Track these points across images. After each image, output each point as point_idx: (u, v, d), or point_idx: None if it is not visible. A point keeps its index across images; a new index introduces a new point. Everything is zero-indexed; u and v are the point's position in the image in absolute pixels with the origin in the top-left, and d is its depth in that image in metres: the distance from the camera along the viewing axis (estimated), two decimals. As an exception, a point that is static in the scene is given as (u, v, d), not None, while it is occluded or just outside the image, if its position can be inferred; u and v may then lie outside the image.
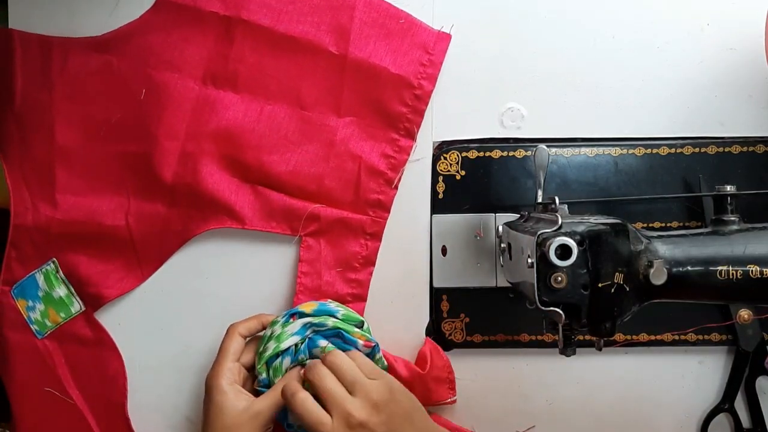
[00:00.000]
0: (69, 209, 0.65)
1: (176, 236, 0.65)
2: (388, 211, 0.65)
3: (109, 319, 0.67)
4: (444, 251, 0.65)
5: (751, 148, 0.64)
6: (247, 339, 0.61)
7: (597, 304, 0.47)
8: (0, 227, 0.72)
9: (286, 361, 0.59)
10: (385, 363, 0.62)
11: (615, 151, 0.64)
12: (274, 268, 0.66)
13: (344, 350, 0.59)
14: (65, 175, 0.66)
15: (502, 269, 0.62)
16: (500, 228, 0.61)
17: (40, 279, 0.66)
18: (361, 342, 0.60)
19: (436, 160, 0.65)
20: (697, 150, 0.64)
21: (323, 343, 0.59)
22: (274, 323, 0.61)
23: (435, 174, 0.65)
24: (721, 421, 0.65)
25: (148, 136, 0.64)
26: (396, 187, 0.65)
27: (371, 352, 0.61)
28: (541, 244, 0.46)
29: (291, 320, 0.60)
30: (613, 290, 0.47)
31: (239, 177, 0.64)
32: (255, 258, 0.66)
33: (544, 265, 0.46)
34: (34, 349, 0.66)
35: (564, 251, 0.45)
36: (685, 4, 0.65)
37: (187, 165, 0.64)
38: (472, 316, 0.65)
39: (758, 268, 0.48)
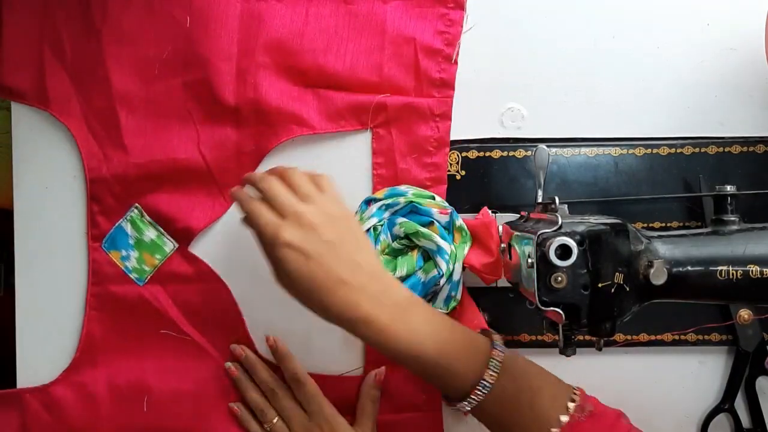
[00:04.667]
0: (141, 151, 0.65)
1: (251, 156, 0.65)
2: (453, 89, 0.64)
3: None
4: (444, 251, 0.65)
5: (751, 148, 0.64)
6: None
7: (597, 305, 0.47)
8: (0, 227, 0.71)
9: None
10: (467, 230, 0.62)
11: (615, 151, 0.64)
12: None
13: (422, 223, 0.61)
14: (130, 118, 0.65)
15: (502, 269, 0.62)
16: (500, 228, 0.61)
17: (128, 227, 0.66)
18: (436, 210, 0.61)
19: (436, 160, 0.65)
20: (697, 150, 0.64)
21: (400, 220, 0.62)
22: (353, 213, 0.64)
23: (435, 174, 0.65)
24: (721, 421, 0.65)
25: (202, 61, 0.64)
26: (456, 62, 0.64)
27: (450, 219, 0.62)
28: (541, 244, 0.46)
29: (368, 206, 0.63)
30: (613, 290, 0.47)
31: (299, 84, 0.64)
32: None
33: (544, 265, 0.46)
34: (139, 296, 0.66)
35: (564, 251, 0.45)
36: (685, 4, 0.65)
37: (246, 82, 0.64)
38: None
39: (758, 268, 0.48)
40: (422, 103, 0.64)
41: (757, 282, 0.48)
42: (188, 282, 0.66)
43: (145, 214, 0.66)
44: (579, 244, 0.46)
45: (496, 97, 0.66)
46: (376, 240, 0.62)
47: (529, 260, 0.47)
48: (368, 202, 0.64)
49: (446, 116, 0.64)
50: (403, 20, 0.64)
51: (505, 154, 0.65)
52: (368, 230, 0.62)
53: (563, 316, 0.46)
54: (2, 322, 0.68)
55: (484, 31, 0.65)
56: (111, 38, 0.65)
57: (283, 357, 0.63)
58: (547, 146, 0.59)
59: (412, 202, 0.62)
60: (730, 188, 0.54)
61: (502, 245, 0.59)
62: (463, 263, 0.62)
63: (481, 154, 0.65)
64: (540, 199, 0.59)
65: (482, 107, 0.66)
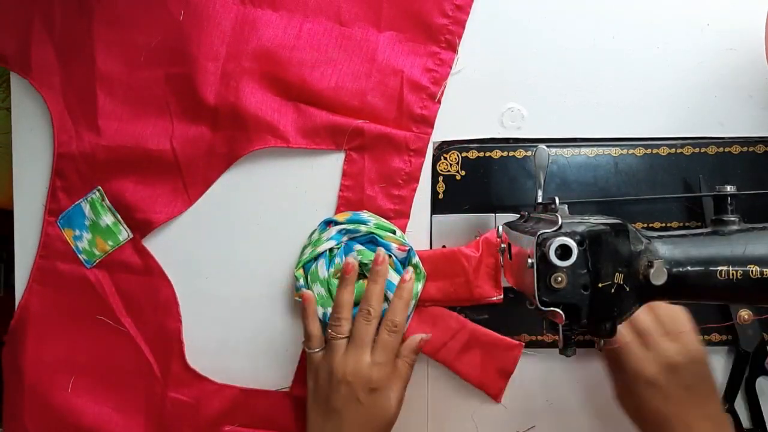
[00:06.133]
0: (113, 135, 0.65)
1: (222, 159, 0.65)
2: (432, 127, 0.65)
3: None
4: (444, 251, 0.65)
5: (751, 148, 0.64)
6: None
7: (597, 305, 0.47)
8: (0, 227, 0.72)
9: (321, 264, 0.62)
10: (422, 268, 0.63)
11: (615, 151, 0.64)
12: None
13: None
14: (108, 101, 0.66)
15: (502, 269, 0.62)
16: (500, 228, 0.61)
17: (86, 208, 0.66)
18: (395, 246, 0.62)
19: (436, 160, 0.65)
20: (697, 150, 0.64)
21: (358, 247, 0.62)
22: (312, 233, 0.65)
23: (435, 174, 0.65)
24: (721, 421, 0.65)
25: (189, 57, 0.64)
26: (439, 102, 0.65)
27: (407, 256, 0.63)
28: (542, 245, 0.46)
29: (327, 228, 0.64)
30: (613, 290, 0.47)
31: (281, 95, 0.64)
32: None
33: (544, 266, 0.46)
34: (83, 278, 0.66)
35: (564, 251, 0.45)
36: (685, 4, 0.65)
37: (229, 85, 0.64)
38: (472, 317, 0.65)
39: (758, 269, 0.48)
40: (399, 136, 0.64)
41: (757, 282, 0.48)
42: (135, 274, 0.66)
43: (106, 198, 0.66)
44: (579, 244, 0.46)
45: (496, 97, 0.65)
46: (331, 262, 0.62)
47: (529, 260, 0.47)
48: (328, 223, 0.64)
49: (421, 152, 0.65)
50: (395, 52, 0.64)
51: (505, 154, 0.65)
52: (324, 252, 0.62)
53: (563, 316, 0.46)
54: (2, 322, 0.68)
55: (484, 31, 0.65)
56: (103, 19, 0.66)
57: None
58: (547, 146, 0.60)
59: (372, 233, 0.62)
60: (730, 188, 0.54)
61: (502, 245, 0.59)
62: (420, 298, 0.63)
63: (481, 154, 0.65)
64: (540, 199, 0.59)
65: (482, 107, 0.66)
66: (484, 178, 0.65)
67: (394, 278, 0.62)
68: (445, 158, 0.65)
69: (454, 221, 0.65)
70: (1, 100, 0.74)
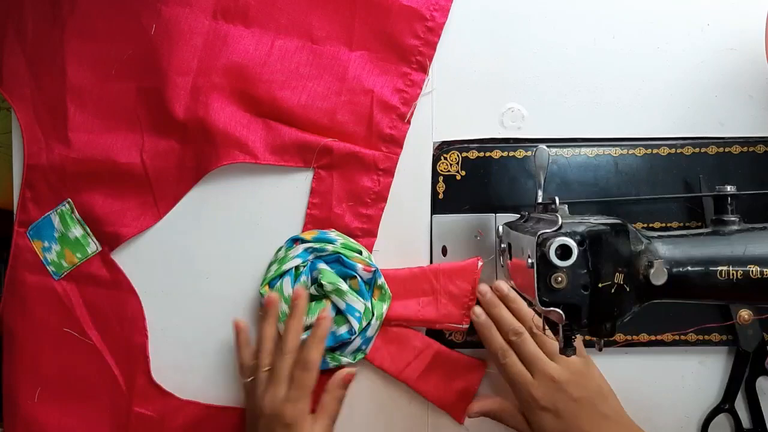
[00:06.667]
0: (83, 147, 0.65)
1: (191, 172, 0.65)
2: (401, 147, 0.65)
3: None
4: (444, 251, 0.65)
5: (751, 148, 0.64)
6: None
7: (597, 305, 0.47)
8: (0, 227, 0.72)
9: (287, 281, 0.62)
10: (387, 289, 0.63)
11: (615, 152, 0.64)
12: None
13: (344, 275, 0.62)
14: (78, 113, 0.65)
15: (502, 269, 0.62)
16: (500, 228, 0.61)
17: (56, 220, 0.66)
18: (360, 266, 0.62)
19: (436, 160, 0.65)
20: (697, 150, 0.64)
21: (321, 266, 0.62)
22: (278, 249, 0.65)
23: (435, 174, 0.65)
24: (722, 421, 0.65)
25: (160, 71, 0.64)
26: (409, 122, 0.65)
27: (372, 277, 0.62)
28: (542, 245, 0.46)
29: (294, 245, 0.64)
30: (613, 290, 0.47)
31: (251, 111, 0.64)
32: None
33: (545, 266, 0.46)
34: (51, 290, 0.66)
35: (564, 251, 0.45)
36: (685, 4, 0.65)
37: (198, 100, 0.63)
38: (472, 317, 0.65)
39: (758, 269, 0.48)
40: (368, 155, 0.64)
41: (757, 282, 0.48)
42: (102, 287, 0.66)
43: (75, 210, 0.65)
44: (579, 244, 0.46)
45: (496, 97, 0.65)
46: (296, 280, 0.62)
47: (529, 260, 0.47)
48: (295, 240, 0.64)
49: (389, 172, 0.65)
50: (365, 71, 0.64)
51: (505, 154, 0.65)
52: (290, 270, 0.62)
53: (563, 316, 0.46)
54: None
55: (484, 31, 0.65)
56: (75, 31, 0.65)
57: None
58: (547, 146, 0.60)
59: (339, 253, 0.62)
60: (730, 188, 0.54)
61: (502, 245, 0.59)
62: (387, 317, 0.63)
63: (481, 154, 0.65)
64: (540, 200, 0.59)
65: (482, 107, 0.66)
66: (484, 178, 0.65)
67: (357, 304, 0.62)
68: (445, 158, 0.65)
69: (454, 221, 0.65)
70: (2, 100, 0.73)
